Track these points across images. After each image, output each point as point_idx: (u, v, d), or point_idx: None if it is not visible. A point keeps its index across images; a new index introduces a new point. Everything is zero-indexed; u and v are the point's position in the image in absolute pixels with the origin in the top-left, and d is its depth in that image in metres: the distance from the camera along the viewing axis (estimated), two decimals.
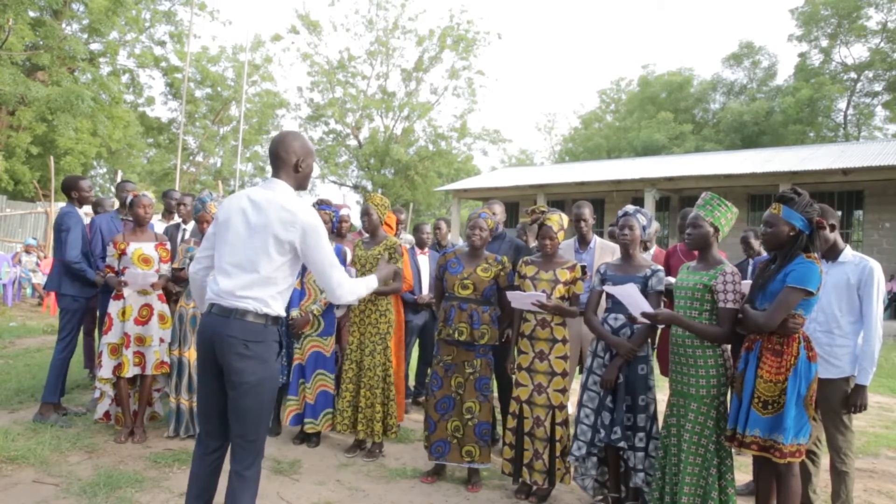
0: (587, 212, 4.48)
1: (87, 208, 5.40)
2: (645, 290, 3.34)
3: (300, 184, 2.64)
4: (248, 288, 2.45)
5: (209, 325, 2.50)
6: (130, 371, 4.32)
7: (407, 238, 6.32)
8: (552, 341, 3.65)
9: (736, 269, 3.03)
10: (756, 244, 5.09)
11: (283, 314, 2.59)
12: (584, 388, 3.54)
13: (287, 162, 2.57)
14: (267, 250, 2.45)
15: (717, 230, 3.09)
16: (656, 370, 5.18)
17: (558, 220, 3.73)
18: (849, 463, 3.24)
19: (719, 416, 3.02)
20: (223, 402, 2.53)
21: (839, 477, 3.26)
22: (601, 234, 4.93)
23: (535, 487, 3.70)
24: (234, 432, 2.51)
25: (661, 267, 3.49)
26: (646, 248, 5.44)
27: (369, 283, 2.75)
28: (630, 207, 3.66)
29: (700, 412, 3.03)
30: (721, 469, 3.03)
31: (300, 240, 2.47)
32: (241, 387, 2.43)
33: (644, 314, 3.16)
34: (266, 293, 2.47)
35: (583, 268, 3.79)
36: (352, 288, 2.62)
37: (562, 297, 3.65)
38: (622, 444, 3.33)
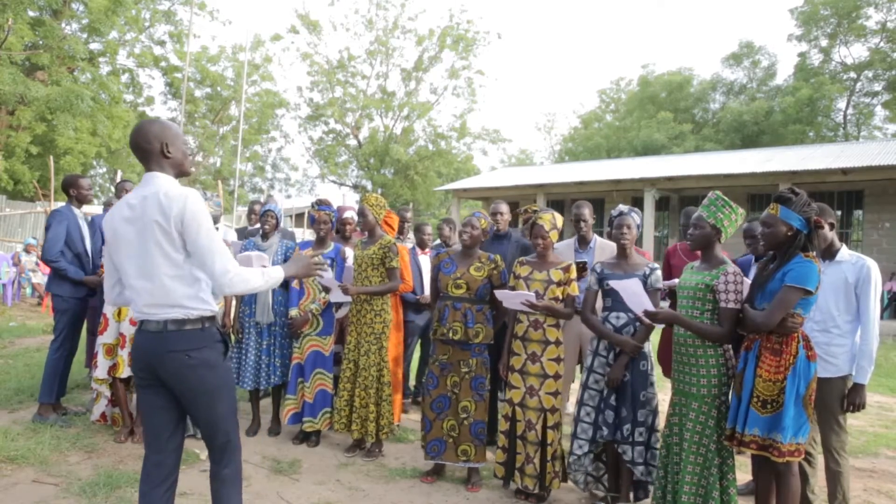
0: (587, 212, 4.49)
1: (87, 208, 5.39)
2: (645, 288, 3.35)
3: (178, 170, 2.42)
4: (166, 295, 2.26)
5: (143, 343, 2.33)
6: (125, 371, 4.31)
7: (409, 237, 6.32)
8: (544, 343, 3.63)
9: (738, 270, 3.03)
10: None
11: (216, 309, 2.42)
12: (585, 386, 3.55)
13: (151, 151, 2.34)
14: (162, 249, 2.24)
15: (718, 231, 3.09)
16: (658, 369, 5.21)
17: (550, 220, 3.71)
18: (843, 463, 3.25)
19: (720, 415, 3.02)
20: (173, 418, 2.41)
21: (834, 477, 3.27)
22: (601, 234, 4.94)
23: (526, 490, 3.68)
24: (203, 436, 2.44)
25: (657, 265, 3.54)
26: None
27: (271, 274, 2.42)
28: (624, 207, 3.70)
29: (701, 411, 3.03)
30: (722, 469, 3.03)
31: (180, 225, 2.23)
32: (196, 398, 2.33)
33: (645, 312, 3.16)
34: (188, 293, 2.28)
35: (584, 264, 3.79)
36: (242, 276, 2.29)
37: (555, 298, 3.64)
38: (630, 440, 3.37)
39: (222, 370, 2.39)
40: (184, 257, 2.28)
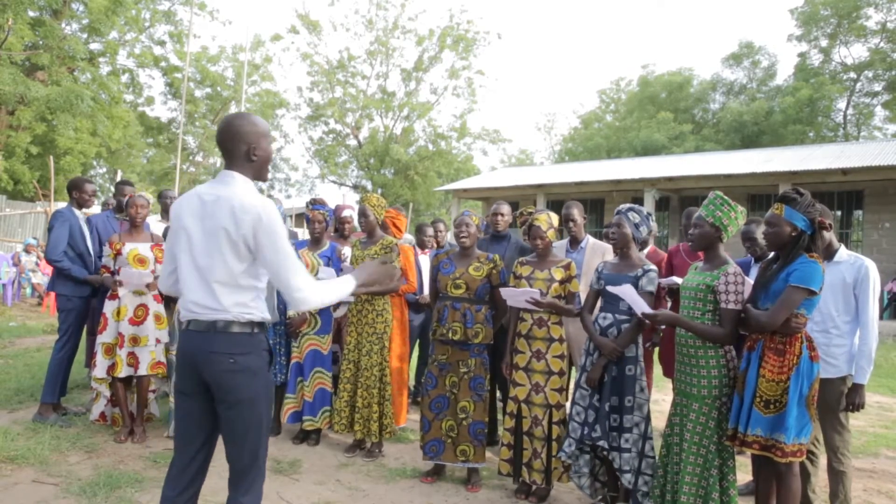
0: (575, 212, 4.50)
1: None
2: (636, 290, 3.34)
3: (258, 173, 2.30)
4: (218, 297, 2.17)
5: (189, 343, 2.24)
6: (124, 371, 4.31)
7: (407, 238, 6.32)
8: (549, 340, 3.65)
9: (739, 270, 3.02)
10: (762, 239, 4.92)
11: (268, 318, 2.31)
12: (577, 386, 3.56)
13: (237, 151, 2.24)
14: (223, 255, 2.16)
15: (719, 230, 3.08)
16: (658, 371, 5.20)
17: (546, 220, 3.73)
18: (846, 462, 3.25)
19: (721, 416, 3.01)
20: (206, 430, 2.29)
21: (836, 477, 3.27)
22: (601, 235, 4.93)
23: (534, 487, 3.70)
24: (229, 456, 2.26)
25: (654, 267, 3.47)
26: (642, 247, 5.35)
27: (341, 286, 2.33)
28: (624, 206, 3.64)
29: (702, 412, 3.03)
30: (723, 470, 3.02)
31: (252, 237, 2.14)
32: (235, 406, 2.19)
33: (644, 314, 3.16)
34: (241, 299, 2.20)
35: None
36: (317, 291, 2.21)
37: (558, 296, 3.65)
38: (602, 443, 3.33)
39: (264, 380, 2.26)
40: (244, 267, 2.19)
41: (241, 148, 2.24)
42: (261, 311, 2.26)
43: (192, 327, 2.24)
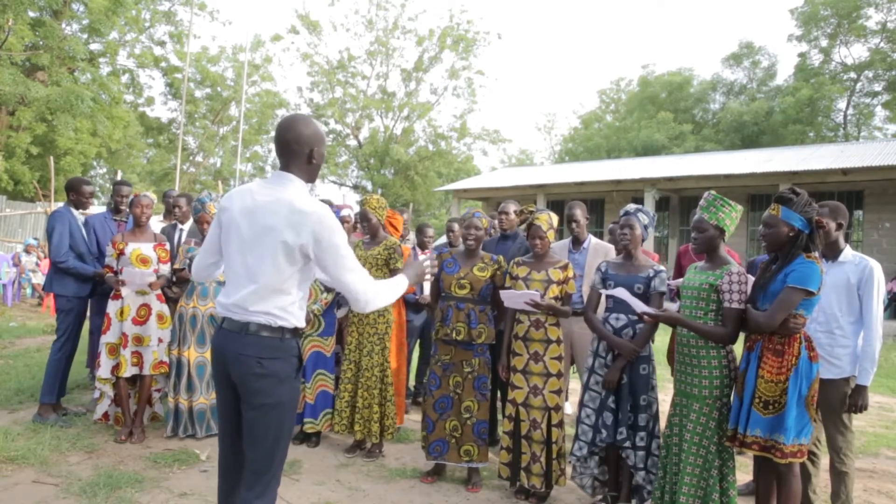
0: (579, 212, 4.49)
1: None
2: (647, 291, 3.35)
3: (311, 177, 2.30)
4: (259, 300, 2.17)
5: (220, 341, 2.26)
6: (128, 371, 4.32)
7: (409, 238, 6.32)
8: (547, 342, 3.64)
9: (742, 270, 3.02)
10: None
11: (303, 325, 2.30)
12: (586, 387, 3.55)
13: (299, 153, 2.23)
14: (275, 258, 2.15)
15: (722, 231, 3.08)
16: (666, 372, 5.20)
17: (547, 220, 3.72)
18: (848, 463, 3.24)
19: (722, 416, 3.01)
20: (237, 423, 2.29)
21: (839, 477, 3.26)
22: (601, 234, 4.93)
23: (533, 490, 3.70)
24: (246, 456, 2.25)
25: (663, 268, 3.48)
26: None
27: (399, 283, 2.38)
28: (631, 206, 3.64)
29: (702, 412, 3.02)
30: (723, 470, 3.02)
31: (313, 245, 2.15)
32: (258, 409, 2.18)
33: (646, 314, 3.16)
34: (280, 303, 2.19)
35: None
36: (378, 292, 2.25)
37: (555, 297, 3.65)
38: (627, 443, 3.35)
39: (290, 387, 2.25)
40: (293, 271, 2.19)
41: (303, 151, 2.24)
42: (296, 318, 2.25)
43: (225, 325, 2.25)
